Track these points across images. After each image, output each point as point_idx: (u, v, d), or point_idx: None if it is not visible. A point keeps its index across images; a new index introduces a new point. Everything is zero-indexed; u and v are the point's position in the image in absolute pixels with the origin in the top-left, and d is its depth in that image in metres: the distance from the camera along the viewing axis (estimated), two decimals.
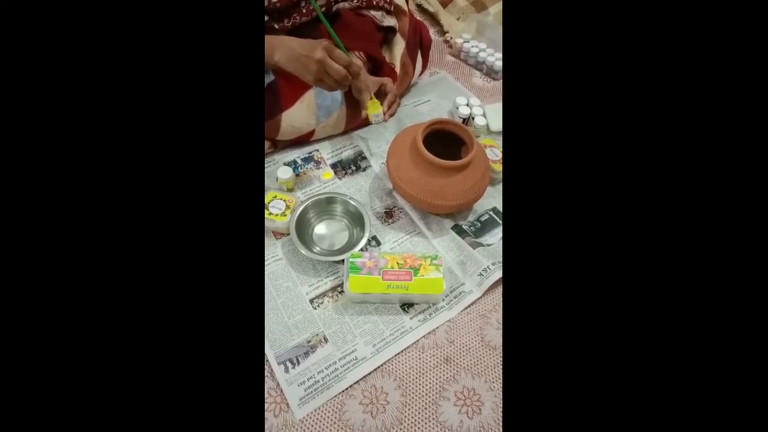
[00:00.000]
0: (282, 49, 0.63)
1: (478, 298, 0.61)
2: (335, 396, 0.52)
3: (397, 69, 0.81)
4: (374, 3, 0.80)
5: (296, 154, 0.76)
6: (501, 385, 0.55)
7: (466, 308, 0.61)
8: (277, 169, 0.69)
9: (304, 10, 0.73)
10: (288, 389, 0.52)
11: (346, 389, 0.53)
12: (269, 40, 0.64)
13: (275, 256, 0.64)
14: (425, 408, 0.53)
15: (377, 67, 0.78)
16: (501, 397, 0.54)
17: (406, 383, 0.54)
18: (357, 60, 0.60)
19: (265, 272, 0.62)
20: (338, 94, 0.74)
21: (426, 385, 0.54)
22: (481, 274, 0.62)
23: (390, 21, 0.81)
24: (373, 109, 0.72)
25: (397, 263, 0.59)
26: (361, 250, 0.62)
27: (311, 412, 0.51)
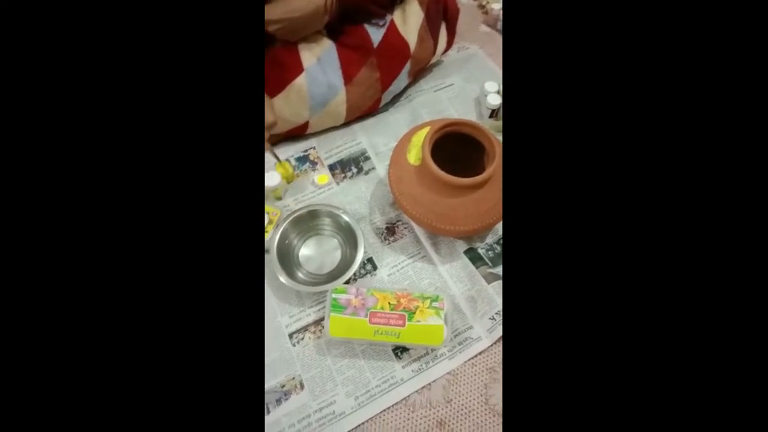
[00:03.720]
0: None
1: (488, 348, 0.51)
2: None
3: (412, 45, 0.66)
4: None
5: (290, 152, 0.66)
6: None
7: (472, 359, 0.50)
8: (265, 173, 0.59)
9: None
10: None
11: None
12: None
13: None
14: None
15: (356, 11, 0.61)
16: None
17: None
18: None
19: None
20: (336, 79, 0.61)
21: None
22: (493, 318, 0.51)
23: None
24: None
25: (389, 303, 0.49)
26: (349, 281, 0.52)
27: None
